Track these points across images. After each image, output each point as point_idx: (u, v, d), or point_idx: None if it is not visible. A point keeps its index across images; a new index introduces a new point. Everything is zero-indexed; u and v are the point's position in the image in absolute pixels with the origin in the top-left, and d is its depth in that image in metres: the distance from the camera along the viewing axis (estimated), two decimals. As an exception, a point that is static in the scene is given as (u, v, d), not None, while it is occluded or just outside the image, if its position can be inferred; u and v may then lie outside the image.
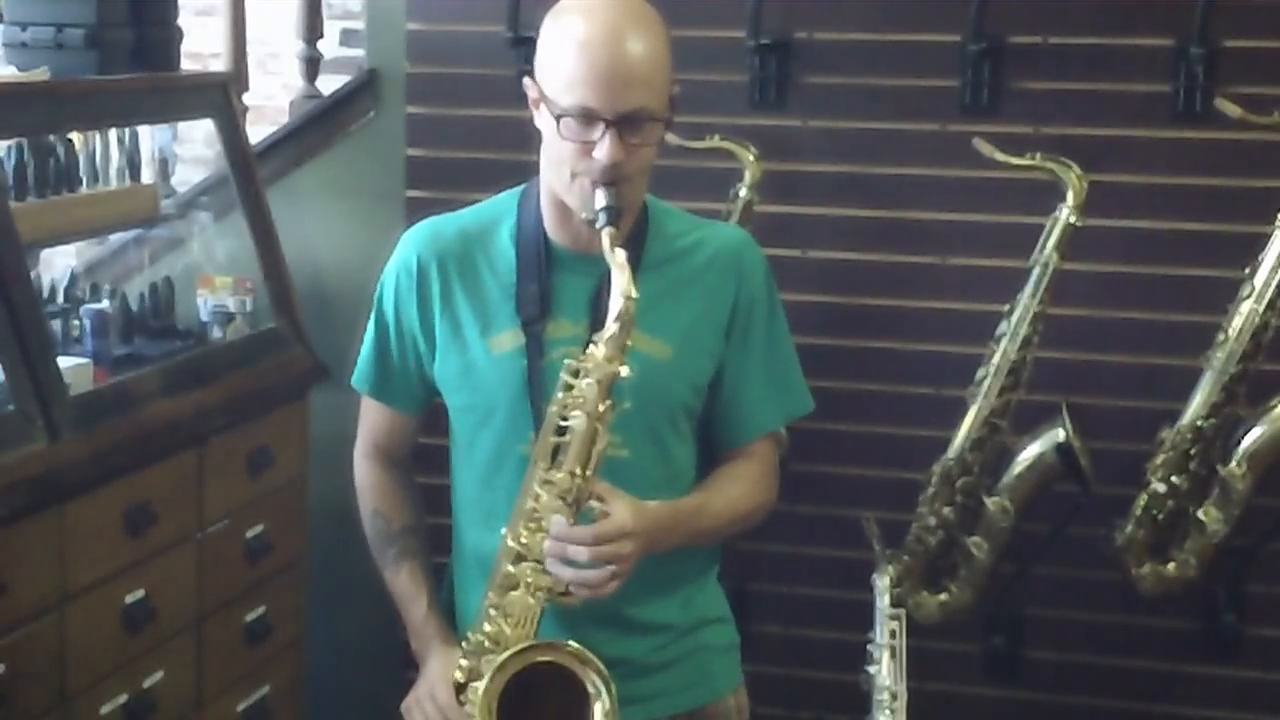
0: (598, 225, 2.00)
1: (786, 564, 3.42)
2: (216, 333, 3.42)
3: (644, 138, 2.02)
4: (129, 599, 2.83)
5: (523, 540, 2.03)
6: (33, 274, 2.98)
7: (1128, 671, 3.37)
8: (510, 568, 2.05)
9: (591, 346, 1.99)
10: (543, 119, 2.07)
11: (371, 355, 2.27)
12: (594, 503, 2.00)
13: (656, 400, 2.11)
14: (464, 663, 2.12)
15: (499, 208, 2.22)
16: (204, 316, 3.44)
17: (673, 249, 2.17)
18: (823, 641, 3.37)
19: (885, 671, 2.49)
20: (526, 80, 2.10)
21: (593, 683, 2.02)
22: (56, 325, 3.13)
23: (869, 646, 2.53)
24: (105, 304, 3.26)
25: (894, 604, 2.59)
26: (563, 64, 2.02)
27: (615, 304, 1.97)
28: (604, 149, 1.99)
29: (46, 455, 2.65)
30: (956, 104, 3.27)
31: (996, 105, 3.25)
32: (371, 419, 2.33)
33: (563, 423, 2.00)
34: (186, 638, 3.02)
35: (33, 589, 2.60)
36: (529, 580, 2.04)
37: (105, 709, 2.79)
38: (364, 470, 2.36)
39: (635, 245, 2.10)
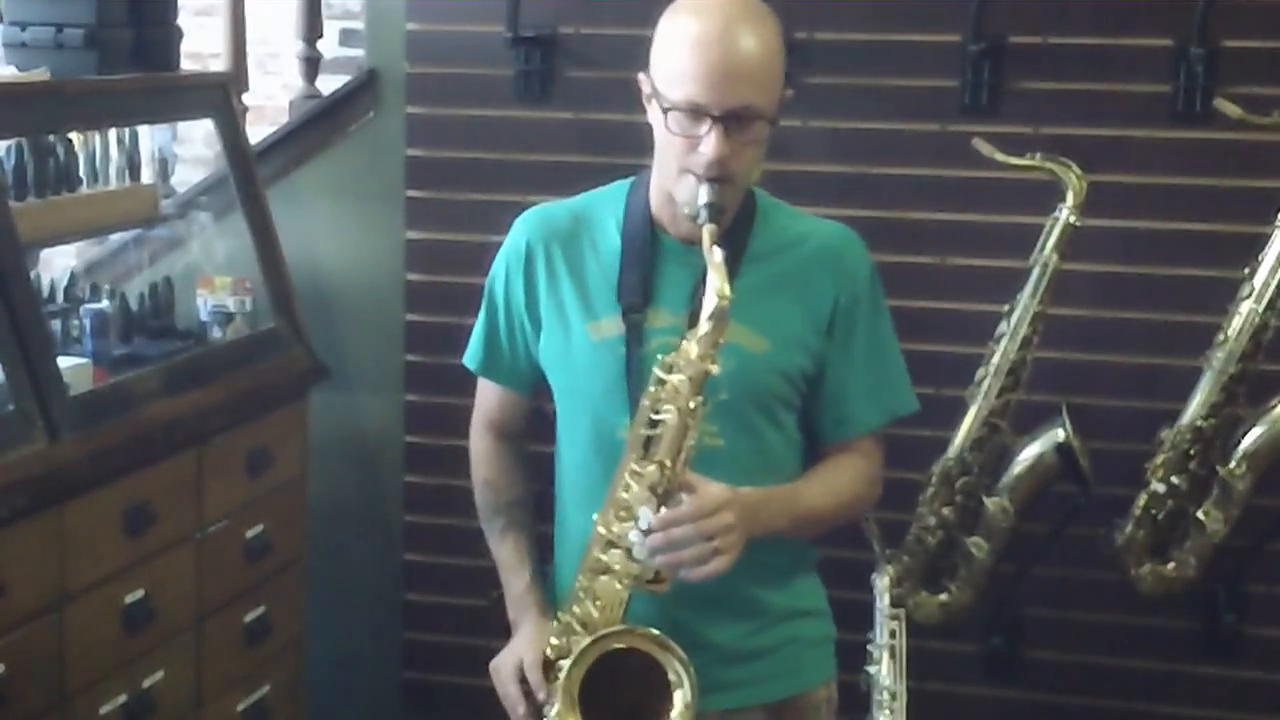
0: (699, 221, 2.03)
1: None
2: (216, 333, 3.42)
3: (750, 136, 2.05)
4: (129, 599, 2.83)
5: (613, 528, 2.07)
6: (33, 274, 2.98)
7: (1128, 671, 3.37)
8: (600, 554, 2.09)
9: (685, 343, 2.02)
10: (654, 113, 2.10)
11: (481, 335, 2.32)
12: (683, 495, 2.02)
13: (750, 391, 2.14)
14: (554, 641, 2.16)
15: (609, 196, 2.26)
16: (204, 316, 3.45)
17: (777, 243, 2.20)
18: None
19: (885, 671, 2.49)
20: (640, 75, 2.13)
21: (675, 671, 2.05)
22: (56, 325, 3.14)
23: (869, 646, 2.52)
24: (105, 304, 3.26)
25: (894, 604, 2.59)
26: (673, 59, 2.05)
27: (709, 302, 1.99)
28: (709, 144, 2.02)
29: (46, 455, 2.65)
30: (956, 104, 3.27)
31: (996, 105, 3.25)
32: (484, 395, 2.39)
33: (654, 416, 2.03)
34: (186, 638, 3.02)
35: (32, 589, 2.60)
36: (617, 567, 2.07)
37: (105, 709, 2.79)
38: (477, 442, 2.41)
39: (740, 237, 2.14)
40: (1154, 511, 3.06)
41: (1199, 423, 3.01)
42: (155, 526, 2.88)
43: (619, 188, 2.25)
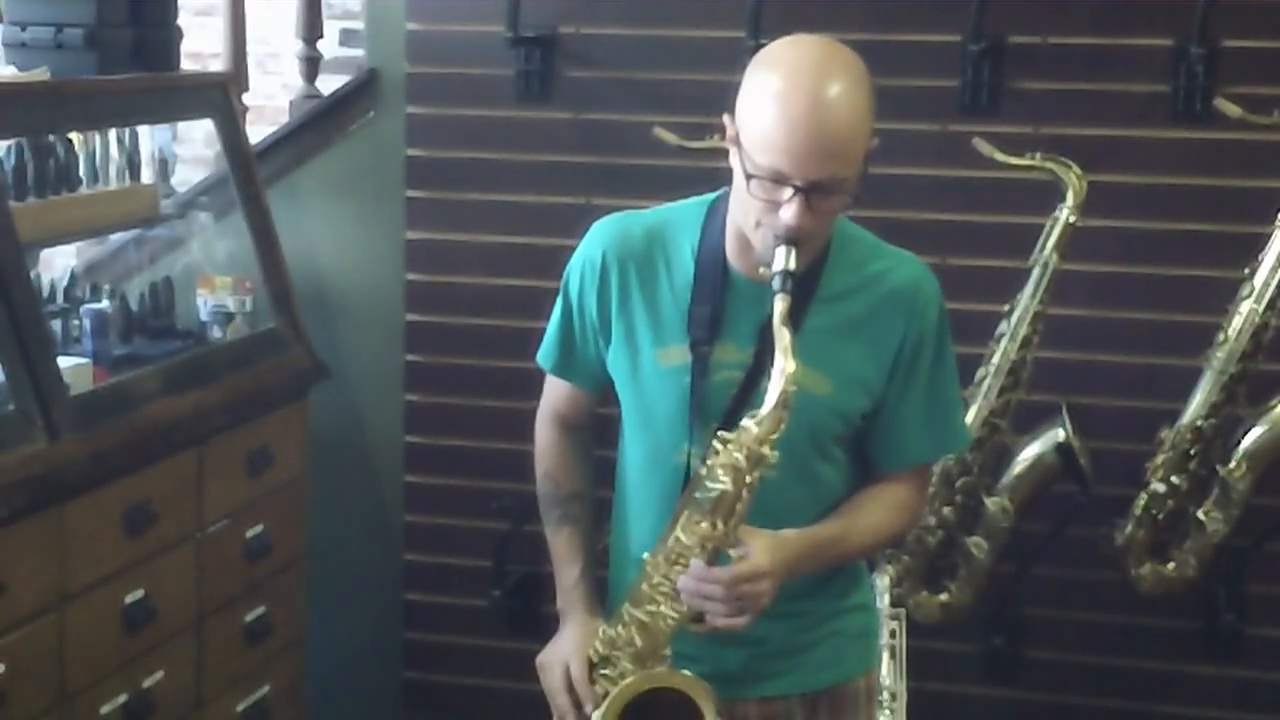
0: (773, 288, 2.01)
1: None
2: (216, 333, 3.42)
3: (832, 205, 2.04)
4: (129, 599, 2.83)
5: (662, 571, 2.09)
6: (33, 274, 2.98)
7: (1128, 671, 3.37)
8: (647, 588, 2.11)
9: (746, 421, 2.02)
10: (735, 159, 2.07)
11: (556, 335, 2.31)
12: (732, 551, 2.04)
13: (808, 430, 2.13)
14: (599, 647, 2.18)
15: (687, 215, 2.23)
16: (204, 316, 3.45)
17: (849, 284, 2.17)
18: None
19: (885, 671, 2.49)
20: (726, 117, 2.08)
21: (712, 713, 2.09)
22: (56, 325, 3.13)
23: (870, 645, 2.53)
24: (105, 304, 3.26)
25: (894, 604, 2.59)
26: (761, 122, 2.01)
27: (775, 385, 1.99)
28: (790, 213, 1.99)
29: (46, 455, 2.65)
30: (956, 104, 3.27)
31: (996, 105, 3.25)
32: (553, 391, 2.38)
33: (710, 483, 2.03)
34: (186, 638, 3.02)
35: (32, 589, 2.60)
36: (660, 607, 2.10)
37: (105, 709, 2.79)
38: (543, 434, 2.40)
39: (813, 277, 2.13)
40: (1154, 511, 3.06)
41: (1199, 423, 3.01)
42: (155, 526, 2.88)
43: (697, 207, 2.23)
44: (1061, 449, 3.04)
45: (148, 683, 2.89)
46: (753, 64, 2.07)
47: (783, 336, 1.98)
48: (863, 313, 2.16)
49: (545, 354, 2.34)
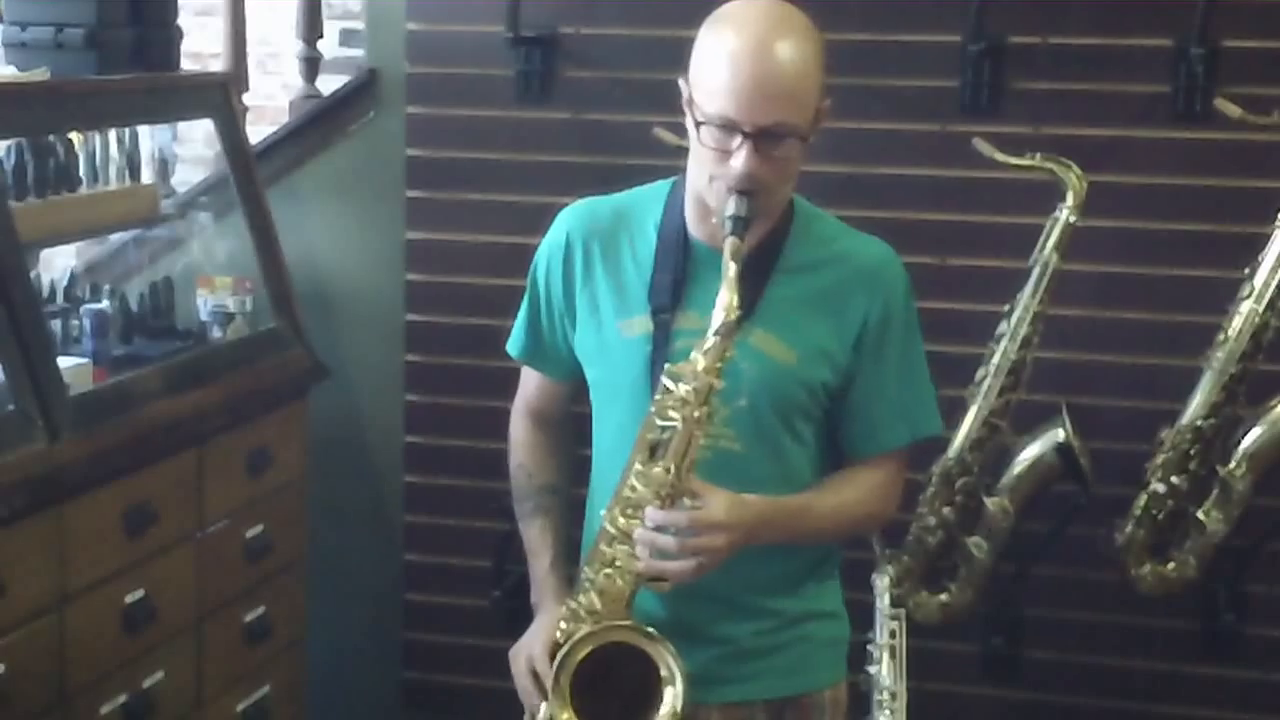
0: (724, 233, 2.05)
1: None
2: (216, 333, 3.42)
3: (784, 151, 2.06)
4: (129, 599, 2.83)
5: (619, 524, 2.10)
6: (33, 274, 2.98)
7: (1128, 671, 3.37)
8: (605, 547, 2.12)
9: (693, 354, 2.04)
10: (690, 120, 2.11)
11: (524, 324, 2.35)
12: (688, 500, 2.05)
13: (772, 400, 2.15)
14: (564, 625, 2.18)
15: (651, 196, 2.27)
16: (204, 316, 3.45)
17: (814, 256, 2.20)
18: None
19: (885, 671, 2.49)
20: (680, 81, 2.13)
21: (667, 666, 2.08)
22: (56, 325, 3.13)
23: (869, 646, 2.52)
24: (105, 304, 3.26)
25: (894, 604, 2.59)
26: (710, 72, 2.05)
27: (717, 316, 2.02)
28: (740, 160, 2.03)
29: (46, 455, 2.65)
30: (956, 104, 3.27)
31: (996, 105, 3.25)
32: (525, 382, 2.42)
33: (661, 422, 2.06)
34: (186, 638, 3.02)
35: (33, 589, 2.60)
36: (620, 564, 2.11)
37: (105, 709, 2.79)
38: (516, 426, 2.43)
39: (775, 247, 2.16)
40: (1154, 511, 3.06)
41: (1199, 423, 3.01)
42: (155, 526, 2.88)
43: (661, 187, 2.27)
44: (1061, 449, 3.04)
45: (148, 683, 2.89)
46: (703, 26, 2.10)
47: (728, 269, 2.01)
48: (827, 286, 2.18)
49: (514, 342, 2.37)
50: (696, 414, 2.03)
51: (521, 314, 2.35)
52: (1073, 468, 3.04)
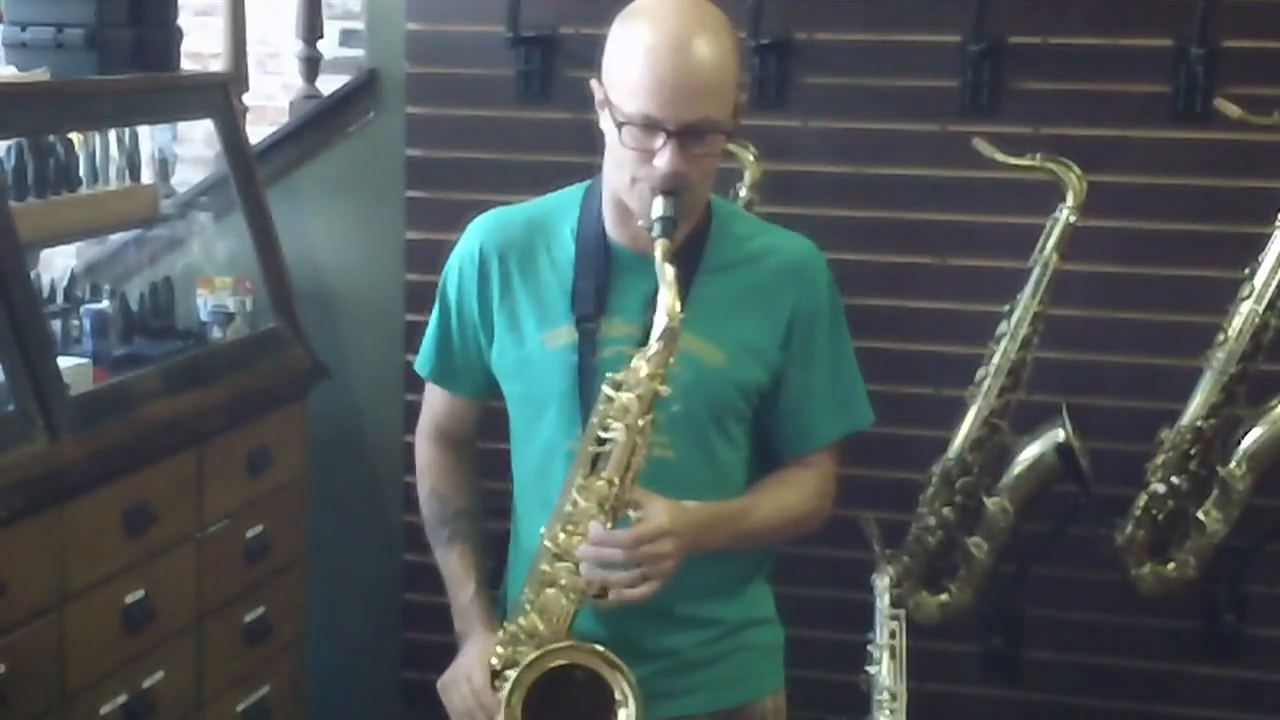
0: (653, 235, 2.00)
1: (786, 564, 3.41)
2: (216, 333, 3.42)
3: (706, 148, 2.02)
4: (129, 599, 2.83)
5: (559, 541, 2.05)
6: (33, 274, 2.98)
7: (1128, 671, 3.37)
8: (546, 566, 2.07)
9: (635, 361, 2.00)
10: (606, 121, 2.06)
11: (434, 341, 2.29)
12: (631, 512, 2.01)
13: (705, 404, 2.12)
14: (500, 650, 2.14)
15: (564, 201, 2.22)
16: (204, 316, 3.45)
17: (736, 254, 2.17)
18: (823, 641, 3.37)
19: (885, 672, 2.49)
20: (593, 82, 2.09)
21: (621, 689, 2.04)
22: (56, 325, 3.13)
23: (869, 647, 2.52)
24: (105, 304, 3.26)
25: (894, 604, 2.59)
26: (628, 71, 2.01)
27: (660, 321, 1.98)
28: (664, 159, 1.98)
29: (46, 455, 2.65)
30: (956, 104, 3.27)
31: (996, 105, 3.25)
32: (434, 402, 2.35)
33: (603, 434, 2.01)
34: (186, 638, 3.02)
35: (33, 589, 2.60)
36: (563, 582, 2.06)
37: (105, 709, 2.79)
38: (424, 451, 2.37)
39: (697, 247, 2.12)
40: (1154, 511, 3.06)
41: (1199, 423, 3.01)
42: (155, 526, 2.88)
43: (575, 192, 2.22)
44: (1061, 449, 3.04)
45: (148, 683, 2.89)
46: (615, 23, 2.06)
47: (666, 273, 1.97)
48: (751, 283, 2.15)
49: (423, 361, 2.30)
50: (641, 422, 1.98)
51: (430, 331, 2.28)
52: (1073, 468, 3.04)
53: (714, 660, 2.22)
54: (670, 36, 1.98)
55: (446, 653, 3.69)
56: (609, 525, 2.01)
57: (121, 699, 2.83)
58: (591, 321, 2.11)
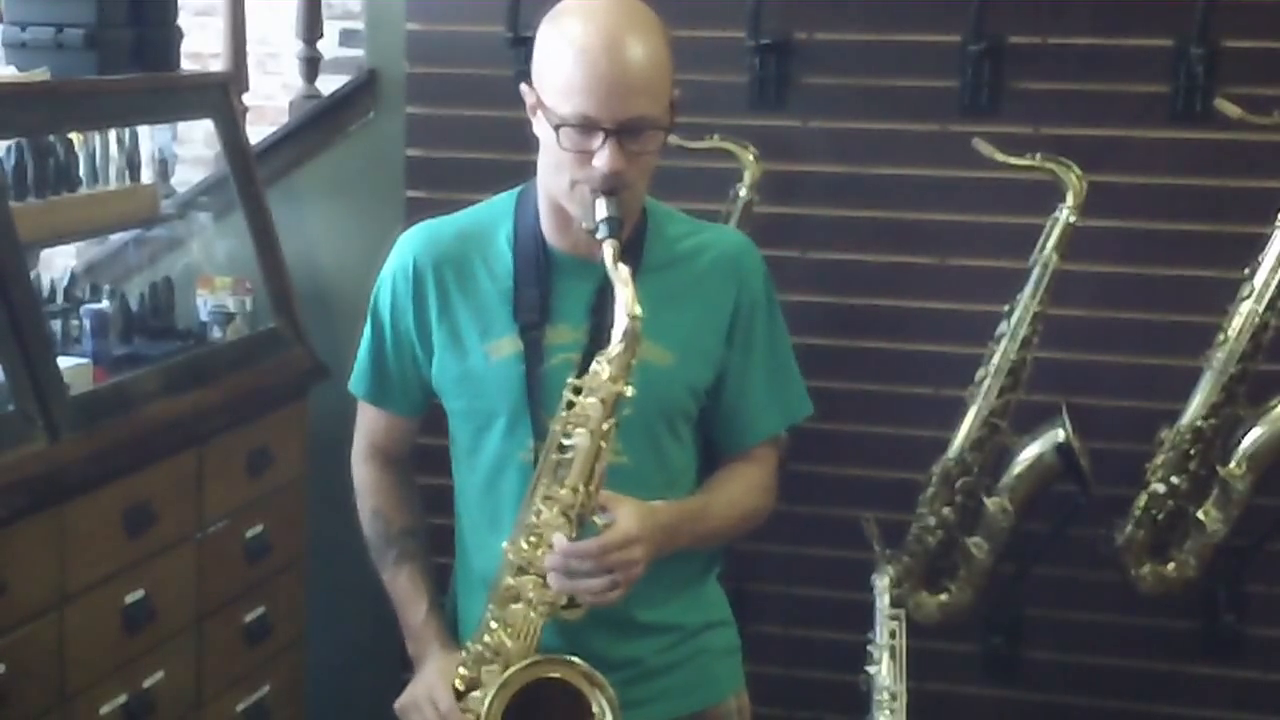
0: (599, 236, 1.97)
1: (786, 564, 3.42)
2: (216, 333, 3.42)
3: (644, 145, 1.99)
4: (129, 599, 2.83)
5: (524, 554, 2.02)
6: (33, 274, 2.98)
7: (1128, 671, 3.37)
8: (511, 580, 2.04)
9: (595, 365, 1.97)
10: (541, 125, 2.04)
11: (368, 359, 2.25)
12: (597, 518, 1.99)
13: (656, 407, 2.09)
14: (463, 671, 2.11)
15: (496, 210, 2.20)
16: (204, 316, 3.45)
17: (672, 253, 2.15)
18: (823, 642, 3.37)
19: (885, 672, 2.49)
20: (524, 86, 2.07)
21: (599, 703, 2.02)
22: (56, 325, 3.14)
23: (869, 647, 2.53)
24: (105, 304, 3.26)
25: (894, 604, 2.59)
26: (561, 71, 1.98)
27: (620, 323, 1.95)
28: (604, 158, 1.96)
29: (46, 455, 2.65)
30: (956, 104, 3.27)
31: (996, 105, 3.25)
32: (369, 422, 2.33)
33: (565, 440, 1.98)
34: (186, 638, 3.02)
35: (33, 589, 2.60)
36: (530, 595, 2.03)
37: (105, 709, 2.79)
38: (363, 472, 2.34)
39: (634, 249, 2.09)
40: (1154, 511, 3.06)
41: (1199, 423, 3.01)
42: (155, 526, 2.88)
43: (506, 200, 2.19)
44: (1061, 449, 3.04)
45: (148, 683, 2.89)
46: (543, 24, 2.04)
47: (621, 271, 1.94)
48: (690, 281, 2.13)
49: (357, 381, 2.27)
50: (605, 426, 1.96)
51: (363, 351, 2.25)
52: (1073, 468, 3.04)
53: (673, 666, 2.20)
54: (602, 34, 1.96)
55: (446, 653, 3.71)
56: (574, 533, 1.98)
57: (121, 699, 2.83)
58: (536, 330, 2.09)
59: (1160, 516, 3.06)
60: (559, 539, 1.97)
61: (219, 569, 3.11)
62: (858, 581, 2.69)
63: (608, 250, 1.96)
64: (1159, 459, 3.04)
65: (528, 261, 2.12)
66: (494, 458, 2.14)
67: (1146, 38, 3.19)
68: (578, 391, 1.98)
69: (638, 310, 1.94)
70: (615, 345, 1.95)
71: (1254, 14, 3.14)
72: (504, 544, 2.04)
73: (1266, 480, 3.03)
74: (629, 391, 1.96)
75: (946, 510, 3.10)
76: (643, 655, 2.17)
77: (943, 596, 3.18)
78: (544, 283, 2.10)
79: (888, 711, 2.46)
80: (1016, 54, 3.24)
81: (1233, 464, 3.00)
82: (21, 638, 2.58)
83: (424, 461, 2.39)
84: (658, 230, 2.15)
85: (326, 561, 3.59)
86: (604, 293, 2.02)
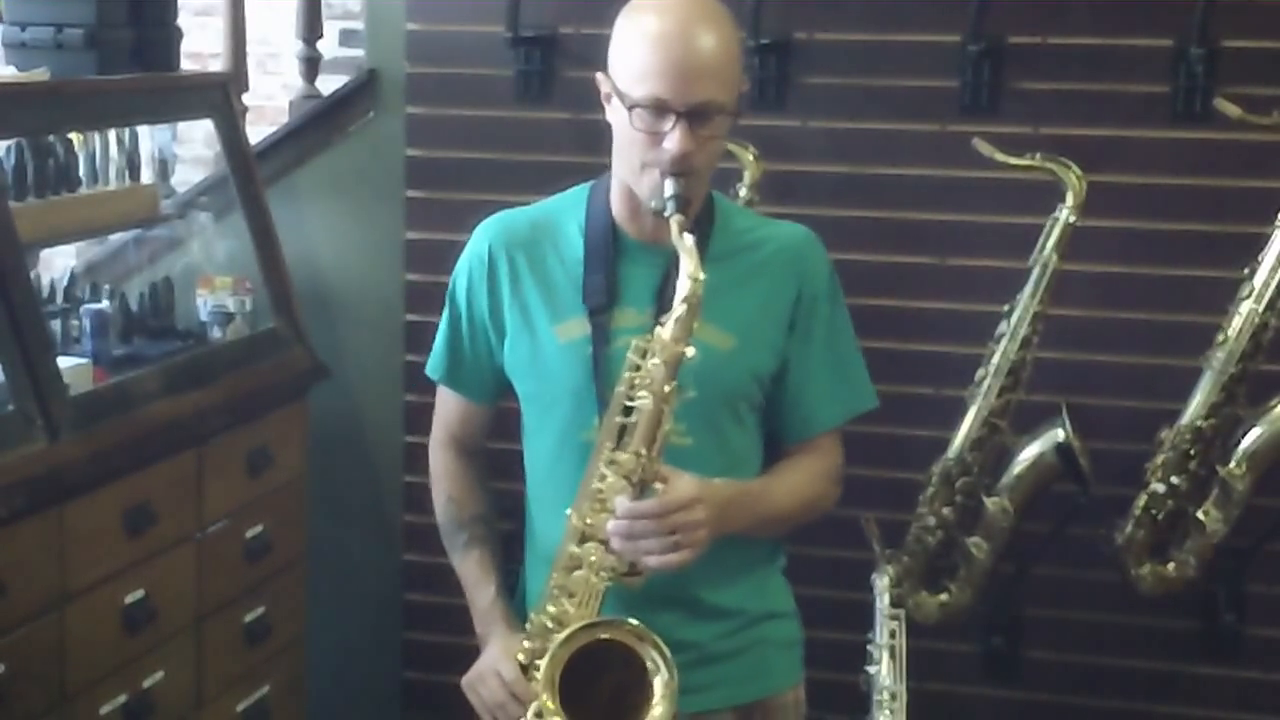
0: (665, 213, 2.05)
1: (788, 564, 3.41)
2: (216, 333, 3.42)
3: (712, 130, 2.07)
4: (129, 599, 2.83)
5: (588, 520, 2.07)
6: (33, 274, 2.98)
7: (1128, 671, 3.37)
8: (574, 548, 2.09)
9: (658, 328, 2.03)
10: (614, 112, 2.12)
11: (444, 344, 2.32)
12: (658, 485, 2.04)
13: (718, 389, 2.15)
14: (527, 644, 2.16)
15: (568, 201, 2.27)
16: (204, 316, 3.45)
17: (738, 243, 2.21)
18: (823, 641, 3.37)
19: (885, 671, 2.49)
20: (599, 75, 2.14)
21: (652, 659, 2.05)
22: (56, 325, 3.14)
23: (869, 647, 2.52)
24: (105, 304, 3.26)
25: (894, 604, 2.59)
26: (635, 57, 2.07)
27: (682, 286, 2.01)
28: (673, 139, 2.04)
29: (46, 455, 2.65)
30: (956, 104, 3.27)
31: (996, 105, 3.25)
32: (446, 407, 2.38)
33: (629, 403, 2.04)
34: (186, 638, 3.02)
35: (33, 589, 2.60)
36: (593, 560, 2.08)
37: (105, 709, 2.79)
38: (438, 458, 2.40)
39: (701, 237, 2.14)
40: (1154, 511, 3.06)
41: (1199, 423, 3.01)
42: (155, 526, 2.88)
43: (579, 192, 2.26)
44: (1061, 449, 3.04)
45: (148, 683, 2.89)
46: (620, 17, 2.13)
47: (686, 240, 2.01)
48: (754, 268, 2.20)
49: (434, 365, 2.34)
50: (666, 388, 2.02)
51: (441, 335, 2.32)
52: (1073, 468, 3.04)
53: (733, 654, 2.24)
54: (677, 23, 2.05)
55: (446, 653, 3.70)
56: (636, 497, 2.03)
57: (121, 699, 2.83)
58: (603, 313, 2.16)
59: (1160, 516, 3.06)
60: (621, 500, 2.02)
61: (219, 569, 3.11)
62: (858, 581, 2.69)
63: (674, 224, 2.03)
64: (1159, 459, 3.04)
65: (597, 246, 2.19)
66: (558, 437, 2.21)
67: (1146, 38, 3.19)
68: (642, 354, 2.04)
69: (700, 274, 2.01)
70: (678, 307, 2.02)
71: (1254, 14, 3.14)
72: (568, 510, 2.10)
73: (1266, 480, 3.03)
74: (691, 351, 2.02)
75: (946, 510, 3.10)
76: (704, 640, 2.21)
77: (943, 596, 3.17)
78: (612, 267, 2.17)
79: (888, 711, 2.46)
80: (1016, 54, 3.24)
81: (1233, 464, 3.00)
82: (21, 638, 2.58)
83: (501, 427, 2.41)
84: (725, 222, 2.23)
85: (326, 561, 3.60)
86: (670, 277, 2.09)
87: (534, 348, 2.20)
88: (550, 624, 2.11)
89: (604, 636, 2.06)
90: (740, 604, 2.25)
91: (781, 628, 2.32)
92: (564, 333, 2.18)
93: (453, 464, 2.38)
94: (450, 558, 2.36)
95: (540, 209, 2.29)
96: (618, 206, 2.19)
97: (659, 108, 2.04)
